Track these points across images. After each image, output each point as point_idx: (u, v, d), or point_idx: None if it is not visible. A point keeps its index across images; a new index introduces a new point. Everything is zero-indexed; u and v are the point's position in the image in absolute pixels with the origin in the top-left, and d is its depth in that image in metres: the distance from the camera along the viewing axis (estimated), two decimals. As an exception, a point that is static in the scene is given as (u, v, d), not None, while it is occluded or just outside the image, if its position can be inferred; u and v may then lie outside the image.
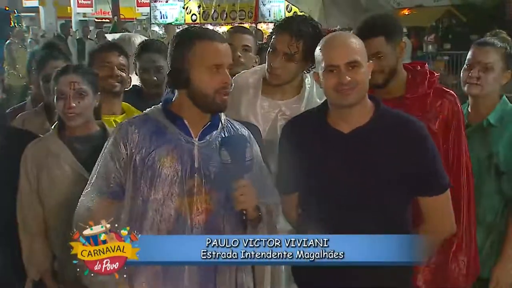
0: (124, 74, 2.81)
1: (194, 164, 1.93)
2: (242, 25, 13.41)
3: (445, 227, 2.08)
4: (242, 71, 2.64)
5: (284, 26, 2.39)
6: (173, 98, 2.00)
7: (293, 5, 14.88)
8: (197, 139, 1.96)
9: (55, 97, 2.40)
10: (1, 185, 2.41)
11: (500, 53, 2.60)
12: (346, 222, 1.92)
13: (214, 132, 2.00)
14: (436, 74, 2.44)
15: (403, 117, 2.05)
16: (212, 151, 1.95)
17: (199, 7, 18.88)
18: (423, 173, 1.98)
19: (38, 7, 22.89)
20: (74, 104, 2.34)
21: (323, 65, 1.98)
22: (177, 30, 2.04)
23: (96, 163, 1.98)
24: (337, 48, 1.98)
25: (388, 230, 1.87)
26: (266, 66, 2.46)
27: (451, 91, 2.44)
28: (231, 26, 3.38)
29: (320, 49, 2.01)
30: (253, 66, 2.91)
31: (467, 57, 2.66)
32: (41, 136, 2.52)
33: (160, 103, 2.03)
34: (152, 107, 2.03)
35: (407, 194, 2.02)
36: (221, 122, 2.03)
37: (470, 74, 2.60)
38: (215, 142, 1.98)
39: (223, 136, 2.00)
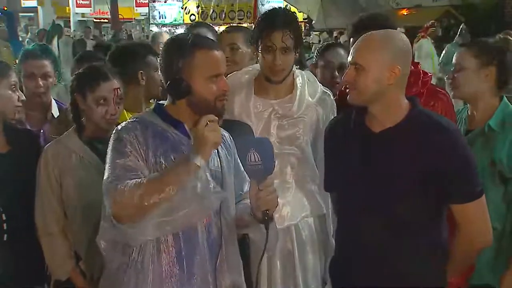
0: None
1: None
2: (241, 25, 13.42)
3: (478, 235, 1.96)
4: (233, 72, 2.62)
5: (271, 24, 2.39)
6: (166, 103, 1.95)
7: (291, 5, 14.89)
8: None
9: (91, 102, 2.33)
10: (18, 188, 2.40)
11: None
12: (368, 225, 1.90)
13: None
14: (429, 74, 2.43)
15: (437, 120, 1.95)
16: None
17: (197, 7, 18.89)
18: (453, 180, 1.88)
19: (36, 7, 22.91)
20: (117, 110, 2.33)
21: None
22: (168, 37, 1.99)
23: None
24: (354, 46, 1.97)
25: (415, 236, 1.89)
26: (265, 66, 2.44)
27: (444, 91, 2.43)
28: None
29: None
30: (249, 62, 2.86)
31: None
32: (57, 137, 2.48)
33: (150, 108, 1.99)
34: (143, 112, 1.98)
35: (437, 200, 1.92)
36: None
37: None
38: None
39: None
